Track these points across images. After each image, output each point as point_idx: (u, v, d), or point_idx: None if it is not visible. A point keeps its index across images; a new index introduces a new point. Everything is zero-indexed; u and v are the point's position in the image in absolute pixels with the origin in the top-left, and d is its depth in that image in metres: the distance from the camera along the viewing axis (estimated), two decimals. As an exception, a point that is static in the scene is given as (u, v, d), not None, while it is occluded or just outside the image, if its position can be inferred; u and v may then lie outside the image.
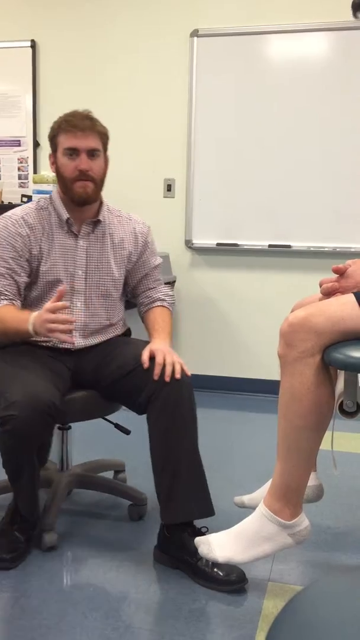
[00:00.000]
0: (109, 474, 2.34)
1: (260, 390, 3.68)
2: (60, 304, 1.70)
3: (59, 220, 1.95)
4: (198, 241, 3.67)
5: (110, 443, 2.69)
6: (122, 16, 3.64)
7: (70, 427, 2.18)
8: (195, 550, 1.66)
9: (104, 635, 1.50)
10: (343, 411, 1.51)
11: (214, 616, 1.59)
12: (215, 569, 1.69)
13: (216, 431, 3.07)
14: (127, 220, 2.08)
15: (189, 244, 3.69)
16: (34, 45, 3.77)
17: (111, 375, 1.90)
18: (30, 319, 1.75)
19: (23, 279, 1.92)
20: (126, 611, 1.60)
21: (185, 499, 1.76)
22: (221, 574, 1.68)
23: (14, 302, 1.89)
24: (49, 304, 1.71)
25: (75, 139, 1.87)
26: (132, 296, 2.14)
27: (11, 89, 3.85)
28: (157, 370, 1.78)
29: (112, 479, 2.27)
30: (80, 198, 1.91)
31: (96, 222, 1.99)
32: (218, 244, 3.63)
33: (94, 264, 1.99)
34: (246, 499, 1.91)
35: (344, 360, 1.39)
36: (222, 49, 3.49)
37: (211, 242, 3.65)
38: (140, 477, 2.24)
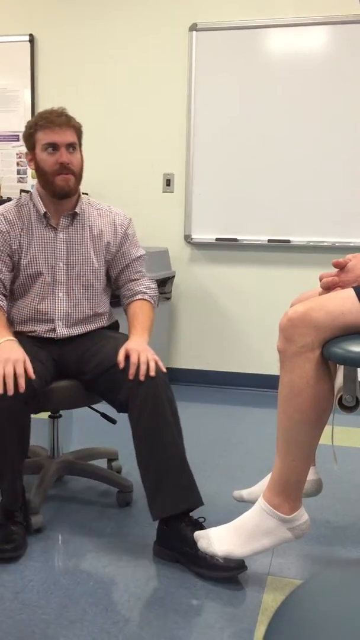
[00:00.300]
0: (102, 462, 2.36)
1: (260, 385, 3.68)
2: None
3: (37, 214, 2.02)
4: (197, 236, 3.67)
5: (110, 432, 2.69)
6: (120, 10, 3.63)
7: (60, 416, 2.24)
8: (194, 541, 1.70)
9: (104, 629, 1.51)
10: (342, 406, 1.51)
11: (213, 610, 1.60)
12: (215, 558, 1.69)
13: (215, 426, 3.07)
14: (107, 213, 2.12)
15: (188, 239, 3.69)
16: (32, 40, 3.76)
17: (92, 371, 1.95)
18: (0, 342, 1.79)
19: (6, 275, 2.00)
20: (126, 606, 1.61)
21: (173, 492, 1.78)
22: (221, 560, 1.68)
23: (1, 302, 1.97)
24: (28, 365, 1.74)
25: (54, 134, 1.93)
26: (115, 288, 2.17)
27: (10, 83, 3.84)
28: (131, 370, 1.80)
29: (98, 466, 2.30)
30: (62, 191, 1.97)
31: (74, 215, 2.04)
32: (217, 239, 3.63)
33: (74, 256, 2.04)
34: (245, 493, 1.91)
35: (344, 355, 1.39)
36: (221, 43, 3.48)
37: (210, 237, 3.64)
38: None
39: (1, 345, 1.79)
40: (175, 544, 1.78)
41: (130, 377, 1.79)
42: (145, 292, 2.10)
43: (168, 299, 3.56)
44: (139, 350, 1.84)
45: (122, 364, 1.82)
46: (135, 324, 2.00)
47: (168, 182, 3.71)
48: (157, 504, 1.78)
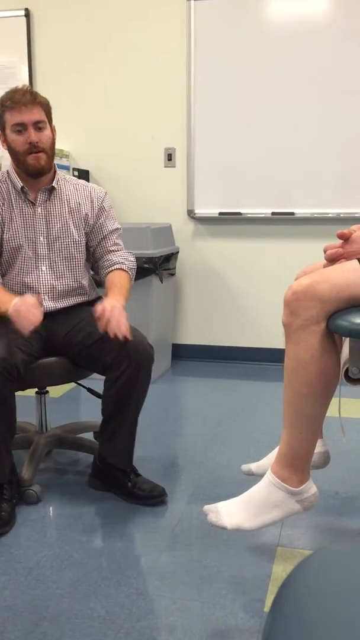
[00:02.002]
0: (89, 436, 2.41)
1: (266, 359, 3.68)
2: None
3: (15, 191, 2.07)
4: (200, 211, 3.64)
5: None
6: (116, -19, 3.56)
7: (47, 392, 2.31)
8: (121, 476, 2.04)
9: (117, 603, 1.53)
10: (349, 378, 1.51)
11: (224, 582, 1.62)
12: (138, 489, 2.03)
13: (222, 401, 3.08)
14: (83, 187, 2.17)
15: (191, 214, 3.66)
16: (27, 14, 3.70)
17: (80, 343, 2.02)
18: (9, 305, 1.83)
19: None
20: (138, 579, 1.63)
21: (121, 449, 2.03)
22: (145, 491, 2.02)
23: None
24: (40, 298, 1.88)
25: (20, 114, 1.95)
26: (94, 261, 2.20)
27: (7, 60, 3.78)
28: (104, 317, 1.84)
29: (87, 439, 2.35)
30: (35, 169, 2.01)
31: (51, 189, 2.09)
32: (220, 213, 3.60)
33: (54, 230, 2.09)
34: (253, 466, 1.92)
35: (349, 327, 1.38)
36: (220, 12, 3.41)
37: (213, 211, 3.61)
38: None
39: (14, 303, 1.83)
40: (111, 479, 2.07)
41: (101, 326, 1.85)
42: (123, 263, 2.14)
43: (172, 274, 3.55)
44: (114, 307, 1.87)
45: (98, 313, 1.86)
46: (112, 289, 2.04)
47: (169, 157, 3.67)
48: (107, 449, 2.04)
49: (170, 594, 1.57)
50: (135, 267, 2.20)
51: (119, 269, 2.13)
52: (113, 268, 2.13)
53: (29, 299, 1.83)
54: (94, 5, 3.61)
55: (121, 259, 2.15)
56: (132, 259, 2.19)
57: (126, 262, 2.15)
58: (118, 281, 2.08)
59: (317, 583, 0.58)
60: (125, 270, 2.14)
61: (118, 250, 2.17)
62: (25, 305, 1.81)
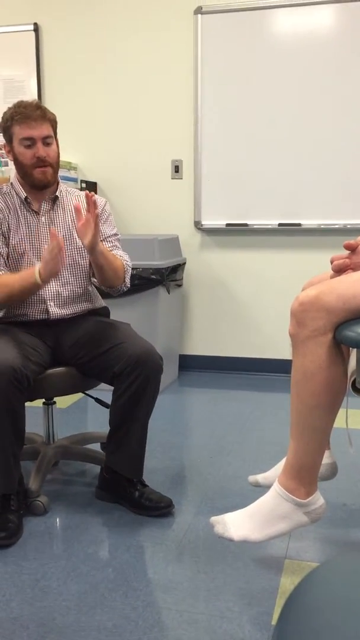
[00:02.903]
0: (95, 447, 2.42)
1: (273, 369, 3.68)
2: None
3: (20, 201, 2.11)
4: (207, 222, 3.65)
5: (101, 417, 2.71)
6: (124, -5, 3.60)
7: (54, 402, 2.31)
8: (128, 486, 2.03)
9: (123, 614, 1.53)
10: (356, 389, 1.51)
11: (231, 594, 1.61)
12: (145, 500, 2.02)
13: (228, 412, 3.08)
14: (84, 198, 2.16)
15: (198, 225, 3.67)
16: (37, 29, 3.74)
17: (88, 354, 2.03)
18: (34, 271, 1.90)
19: (3, 249, 2.08)
20: (144, 591, 1.62)
21: (129, 459, 2.03)
22: (152, 502, 2.02)
23: (2, 271, 2.05)
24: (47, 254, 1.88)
25: (30, 129, 2.00)
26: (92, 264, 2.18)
27: (16, 73, 3.83)
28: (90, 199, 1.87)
29: (93, 450, 2.35)
30: (41, 183, 2.06)
31: (54, 199, 2.14)
32: (227, 225, 3.61)
33: None
34: (260, 478, 1.91)
35: (356, 338, 1.38)
36: (227, 25, 3.44)
37: (220, 222, 3.63)
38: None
39: (36, 270, 1.90)
40: (118, 490, 2.07)
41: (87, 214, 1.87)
42: (121, 257, 2.14)
43: (180, 285, 3.56)
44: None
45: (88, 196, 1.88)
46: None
47: (177, 169, 3.69)
48: (116, 459, 2.03)
49: (177, 606, 1.56)
50: (131, 268, 2.19)
51: (116, 257, 2.12)
52: None
53: (48, 252, 1.86)
54: (102, 19, 3.65)
55: (119, 255, 2.14)
56: (129, 260, 2.18)
57: (125, 257, 2.16)
58: (112, 254, 2.07)
59: (325, 595, 0.58)
60: (121, 261, 2.12)
61: (114, 250, 2.17)
62: (49, 256, 1.86)
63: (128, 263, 2.17)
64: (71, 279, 2.14)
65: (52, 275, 1.89)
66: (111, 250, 2.16)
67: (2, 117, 2.05)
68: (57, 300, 2.12)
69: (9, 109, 2.04)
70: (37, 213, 2.11)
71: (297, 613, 0.58)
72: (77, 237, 2.12)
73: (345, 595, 0.58)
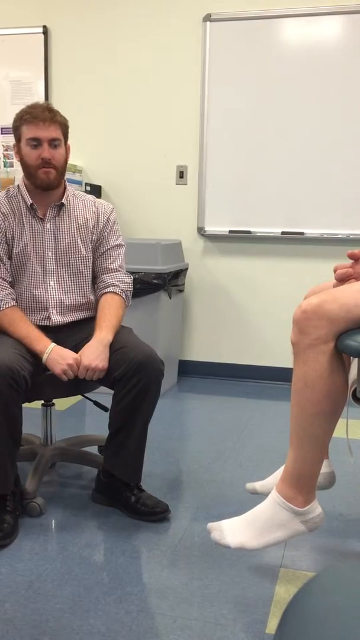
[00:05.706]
0: (93, 449, 2.42)
1: (273, 377, 3.67)
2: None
3: (25, 206, 2.09)
4: (210, 228, 3.66)
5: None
6: (134, 1, 3.61)
7: (53, 404, 2.31)
8: (125, 490, 2.04)
9: (117, 619, 1.52)
10: (356, 398, 1.51)
11: (226, 601, 1.60)
12: (142, 505, 2.02)
13: (227, 418, 3.07)
14: (91, 203, 2.19)
15: (201, 231, 3.68)
16: (46, 32, 3.76)
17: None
18: (46, 349, 1.95)
19: (6, 261, 2.07)
20: (139, 596, 1.62)
21: (127, 464, 2.03)
22: (148, 507, 2.02)
23: (12, 295, 2.06)
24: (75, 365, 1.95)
25: (37, 129, 1.99)
26: (93, 277, 2.20)
27: (24, 75, 3.84)
28: (81, 373, 1.95)
29: (91, 452, 2.35)
30: (43, 183, 2.04)
31: (60, 206, 2.11)
32: (230, 231, 3.62)
33: (62, 245, 2.11)
34: (258, 485, 1.91)
35: (358, 348, 1.38)
36: (235, 33, 3.46)
37: (224, 229, 3.63)
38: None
39: (53, 350, 1.95)
40: (114, 494, 2.07)
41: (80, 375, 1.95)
42: (117, 285, 2.14)
43: (181, 291, 3.56)
44: (90, 362, 1.93)
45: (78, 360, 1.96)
46: (100, 322, 2.05)
47: (181, 174, 3.70)
48: (113, 463, 2.04)
49: (171, 612, 1.55)
50: (131, 289, 2.19)
51: (112, 292, 2.13)
52: (106, 291, 2.13)
53: (65, 357, 1.94)
54: (111, 24, 3.67)
55: (116, 282, 2.14)
56: (129, 281, 2.18)
57: (121, 285, 2.15)
58: (108, 309, 2.08)
59: (324, 603, 0.58)
60: (118, 294, 2.13)
61: (115, 272, 2.16)
62: (60, 357, 1.93)
63: (128, 285, 2.17)
64: (74, 288, 2.13)
65: (51, 368, 1.94)
66: (112, 263, 2.17)
67: (14, 117, 2.04)
68: (60, 308, 2.11)
69: (21, 110, 2.04)
70: (42, 219, 2.09)
71: (297, 621, 0.57)
72: (81, 245, 2.12)
73: (345, 604, 0.58)
